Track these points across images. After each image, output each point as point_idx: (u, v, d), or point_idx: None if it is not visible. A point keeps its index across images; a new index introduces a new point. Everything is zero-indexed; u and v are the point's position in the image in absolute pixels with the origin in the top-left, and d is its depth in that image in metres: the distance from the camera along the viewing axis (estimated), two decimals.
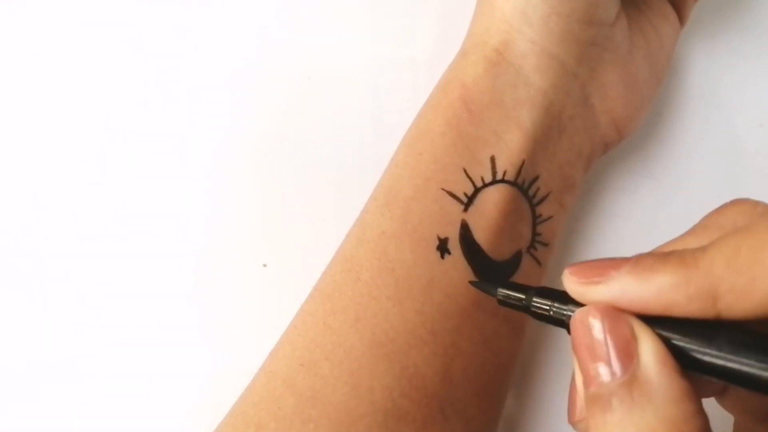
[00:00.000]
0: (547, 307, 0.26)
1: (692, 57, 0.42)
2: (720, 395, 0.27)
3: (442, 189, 0.32)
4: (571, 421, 0.26)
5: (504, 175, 0.33)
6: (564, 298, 0.25)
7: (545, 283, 0.35)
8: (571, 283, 0.24)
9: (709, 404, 0.27)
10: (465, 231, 0.32)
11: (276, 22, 0.40)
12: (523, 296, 0.27)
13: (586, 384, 0.23)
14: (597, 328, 0.23)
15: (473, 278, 0.32)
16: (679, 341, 0.22)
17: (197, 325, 0.38)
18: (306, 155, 0.39)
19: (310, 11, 0.41)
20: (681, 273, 0.22)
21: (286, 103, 0.40)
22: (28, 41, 0.40)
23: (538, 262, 0.34)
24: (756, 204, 0.25)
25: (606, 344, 0.23)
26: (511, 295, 0.27)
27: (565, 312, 0.25)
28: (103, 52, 0.40)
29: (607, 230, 0.40)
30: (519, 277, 0.33)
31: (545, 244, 0.34)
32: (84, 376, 0.37)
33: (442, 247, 0.32)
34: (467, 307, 0.31)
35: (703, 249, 0.22)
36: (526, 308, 0.27)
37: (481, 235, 0.32)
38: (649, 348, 0.22)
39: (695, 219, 0.27)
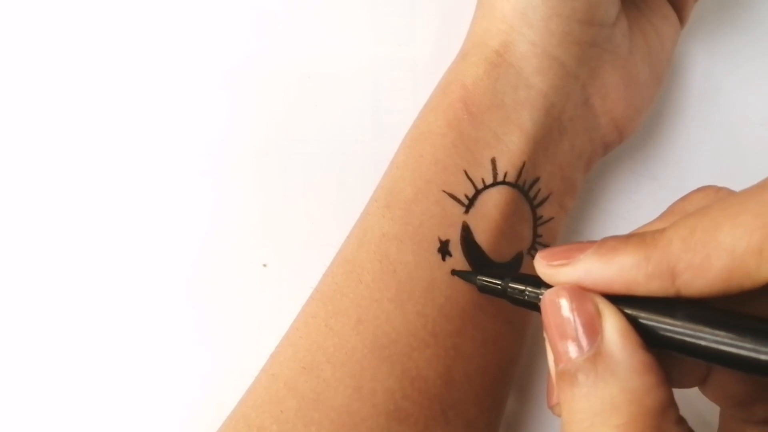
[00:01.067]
0: (521, 291, 0.27)
1: (693, 57, 0.42)
2: (702, 384, 0.27)
3: (443, 191, 0.32)
4: (550, 405, 0.27)
5: (505, 176, 0.33)
6: (537, 282, 0.27)
7: None
8: (541, 266, 0.26)
9: (693, 393, 0.27)
10: (466, 233, 0.32)
11: (276, 21, 0.40)
12: (499, 282, 0.29)
13: (556, 361, 0.24)
14: (565, 307, 0.24)
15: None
16: (642, 318, 0.23)
17: (197, 325, 0.38)
18: (306, 155, 0.39)
19: (309, 11, 0.40)
20: (641, 252, 0.23)
21: (286, 103, 0.40)
22: (28, 41, 0.40)
23: None
24: (719, 189, 0.26)
25: (573, 322, 0.23)
26: (488, 281, 0.30)
27: (537, 295, 0.27)
28: (104, 52, 0.40)
29: (607, 230, 0.40)
30: None
31: (546, 246, 0.34)
32: (84, 376, 0.37)
33: (443, 249, 0.32)
34: (468, 308, 0.32)
35: (662, 230, 0.23)
36: (503, 293, 0.28)
37: (482, 236, 0.32)
38: (612, 324, 0.23)
39: None
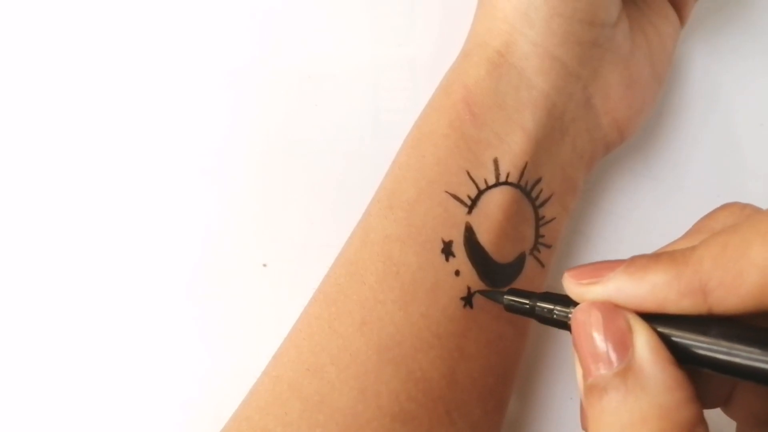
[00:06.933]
0: (550, 311, 0.27)
1: (692, 57, 0.42)
2: (725, 404, 0.27)
3: (446, 191, 0.32)
4: (584, 426, 0.26)
5: (507, 177, 0.33)
6: (566, 301, 0.27)
7: (547, 283, 0.35)
8: (570, 284, 0.26)
9: (715, 413, 0.27)
10: (469, 234, 0.32)
11: (276, 22, 0.40)
12: (527, 301, 0.29)
13: (585, 376, 0.24)
14: (596, 322, 0.24)
15: (477, 281, 0.32)
16: (674, 335, 0.23)
17: (197, 325, 0.37)
18: (306, 155, 0.39)
19: (310, 11, 0.40)
20: (672, 271, 0.23)
21: (287, 103, 0.40)
22: (28, 41, 0.39)
23: (542, 264, 0.34)
24: (744, 206, 0.26)
25: (603, 337, 0.23)
26: (516, 301, 0.29)
27: (567, 314, 0.26)
28: (106, 53, 0.40)
29: (607, 230, 0.40)
30: (522, 279, 0.33)
31: (548, 246, 0.34)
32: (84, 375, 0.37)
33: (447, 250, 0.32)
34: (472, 310, 0.32)
35: (692, 248, 0.23)
36: (531, 312, 0.28)
37: (485, 237, 0.32)
38: (643, 339, 0.23)
39: (695, 219, 0.27)
